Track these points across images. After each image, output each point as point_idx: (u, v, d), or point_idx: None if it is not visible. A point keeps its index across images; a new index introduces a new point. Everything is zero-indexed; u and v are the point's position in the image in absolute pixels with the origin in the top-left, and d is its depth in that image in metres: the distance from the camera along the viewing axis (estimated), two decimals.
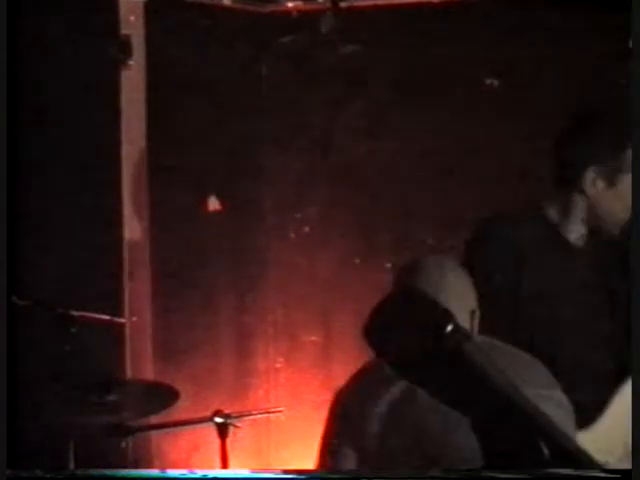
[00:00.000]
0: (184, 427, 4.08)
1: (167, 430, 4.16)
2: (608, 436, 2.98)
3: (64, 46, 4.11)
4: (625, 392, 3.14)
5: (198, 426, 4.00)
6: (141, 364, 4.45)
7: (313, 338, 4.88)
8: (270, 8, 4.74)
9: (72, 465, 3.58)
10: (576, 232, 3.31)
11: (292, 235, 4.85)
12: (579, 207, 3.28)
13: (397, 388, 2.90)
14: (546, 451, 2.77)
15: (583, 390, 3.05)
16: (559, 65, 4.44)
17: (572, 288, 3.25)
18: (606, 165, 3.21)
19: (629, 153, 3.15)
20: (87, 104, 4.21)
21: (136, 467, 4.22)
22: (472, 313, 2.78)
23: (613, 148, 3.19)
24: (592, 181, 3.24)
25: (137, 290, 4.46)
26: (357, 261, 4.78)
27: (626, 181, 3.18)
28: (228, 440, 3.93)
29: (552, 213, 3.32)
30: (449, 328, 2.61)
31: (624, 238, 3.25)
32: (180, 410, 3.86)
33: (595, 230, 3.31)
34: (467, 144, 4.56)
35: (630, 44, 3.56)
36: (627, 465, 2.94)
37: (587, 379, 3.14)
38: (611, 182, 3.22)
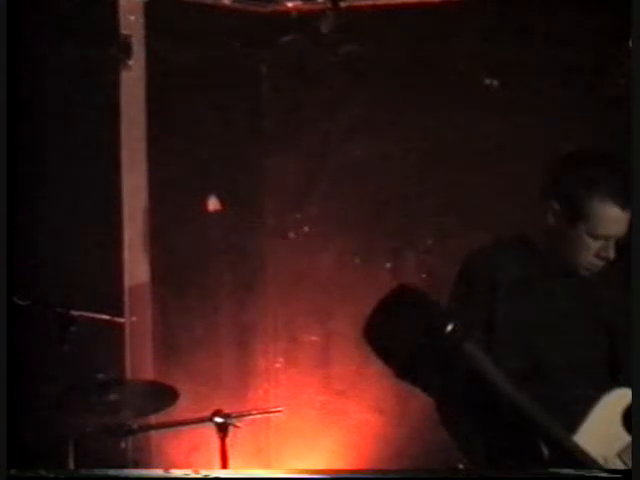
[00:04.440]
0: (184, 427, 4.09)
1: (167, 430, 4.17)
2: (585, 447, 3.01)
3: (64, 46, 4.11)
4: (602, 407, 3.17)
5: (198, 426, 4.00)
6: (141, 364, 4.46)
7: (313, 338, 4.88)
8: (270, 8, 4.74)
9: (72, 465, 3.58)
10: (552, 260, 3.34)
11: (292, 235, 4.85)
12: (546, 236, 3.29)
13: None
14: (546, 451, 2.78)
15: (562, 405, 3.08)
16: (559, 66, 4.44)
17: (555, 314, 3.27)
18: (568, 204, 3.21)
19: (596, 204, 3.16)
20: (87, 104, 4.21)
21: (136, 467, 4.22)
22: None
23: (580, 191, 3.20)
24: (553, 213, 3.24)
25: (137, 290, 4.46)
26: (357, 261, 4.78)
27: (582, 227, 3.19)
28: (228, 440, 3.93)
29: (536, 238, 3.34)
30: (449, 328, 2.62)
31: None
32: (180, 410, 3.87)
33: (559, 264, 3.30)
34: (467, 144, 4.55)
35: (630, 44, 3.57)
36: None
37: (567, 392, 3.17)
38: (570, 220, 3.21)
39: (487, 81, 4.56)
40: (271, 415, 4.46)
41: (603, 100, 4.34)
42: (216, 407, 3.97)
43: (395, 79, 4.63)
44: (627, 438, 3.09)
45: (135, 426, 3.95)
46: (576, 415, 3.12)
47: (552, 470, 2.57)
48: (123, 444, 4.18)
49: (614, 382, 3.20)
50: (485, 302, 3.23)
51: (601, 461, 3.05)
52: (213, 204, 4.73)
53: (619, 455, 3.11)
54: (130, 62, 4.36)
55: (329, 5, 4.59)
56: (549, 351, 3.24)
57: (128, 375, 4.37)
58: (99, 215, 4.30)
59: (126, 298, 4.41)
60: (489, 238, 3.54)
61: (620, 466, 3.08)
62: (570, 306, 3.29)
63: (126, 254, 4.42)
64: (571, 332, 3.27)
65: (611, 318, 3.26)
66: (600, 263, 3.22)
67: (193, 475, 2.26)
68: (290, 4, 4.72)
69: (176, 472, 2.37)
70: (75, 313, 3.73)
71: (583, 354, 3.27)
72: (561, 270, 3.28)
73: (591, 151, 3.34)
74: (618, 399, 3.14)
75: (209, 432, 3.95)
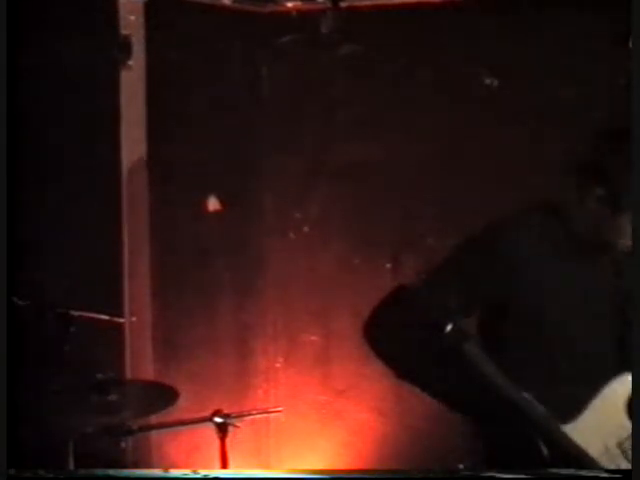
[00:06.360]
0: (184, 427, 4.09)
1: (167, 430, 4.17)
2: (587, 434, 2.98)
3: (64, 46, 4.11)
4: (607, 393, 3.14)
5: (198, 426, 4.00)
6: (141, 364, 4.45)
7: (313, 338, 4.88)
8: (270, 8, 4.74)
9: (72, 465, 3.58)
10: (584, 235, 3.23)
11: (292, 235, 4.85)
12: (583, 216, 3.19)
13: None
14: (546, 451, 2.79)
15: (569, 386, 3.05)
16: (559, 66, 4.44)
17: (573, 293, 3.20)
18: (611, 191, 3.12)
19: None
20: (87, 104, 4.21)
21: (136, 467, 4.22)
22: None
23: (622, 178, 3.10)
24: (596, 198, 3.15)
25: (137, 290, 4.46)
26: (357, 261, 4.78)
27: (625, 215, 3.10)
28: (228, 440, 3.93)
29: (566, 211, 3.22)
30: (449, 328, 2.63)
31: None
32: (180, 410, 3.86)
33: (599, 245, 3.21)
34: (467, 144, 4.56)
35: (630, 44, 3.57)
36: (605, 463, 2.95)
37: (575, 376, 3.13)
38: (614, 209, 3.12)
39: (487, 81, 4.56)
40: (271, 415, 4.46)
41: (603, 100, 4.34)
42: (216, 407, 3.97)
43: (395, 79, 4.63)
44: (629, 427, 3.05)
45: (135, 426, 3.95)
46: (581, 398, 3.08)
47: (552, 470, 2.58)
48: (123, 444, 4.19)
49: (623, 367, 3.14)
50: (500, 278, 3.14)
51: (601, 449, 3.02)
52: (213, 204, 4.73)
53: (619, 444, 3.08)
54: (130, 62, 4.36)
55: (329, 5, 4.59)
56: (562, 331, 3.17)
57: (128, 375, 4.37)
58: (99, 215, 4.30)
59: (126, 298, 4.41)
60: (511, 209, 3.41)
61: (619, 455, 3.05)
62: (588, 287, 3.22)
63: (126, 254, 4.42)
64: (587, 313, 3.20)
65: (627, 302, 3.19)
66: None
67: (193, 475, 2.27)
68: (290, 4, 4.72)
69: (176, 472, 2.37)
70: (75, 313, 3.73)
71: (596, 336, 3.20)
72: (595, 250, 3.17)
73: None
74: (624, 385, 3.09)
75: (209, 432, 3.95)
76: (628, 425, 3.04)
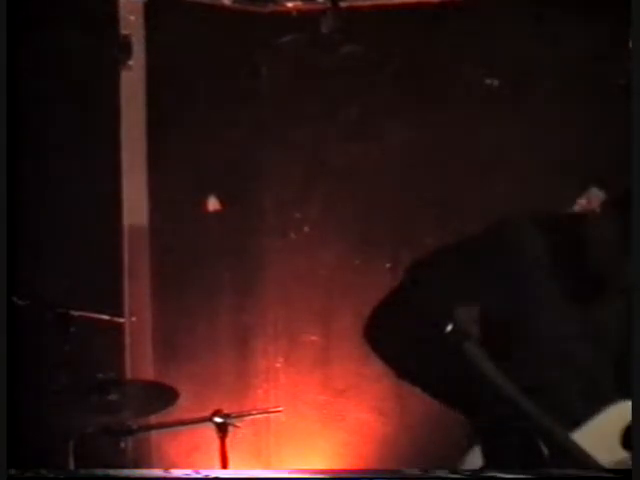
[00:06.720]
0: (184, 427, 4.09)
1: (167, 430, 4.17)
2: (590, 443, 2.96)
3: (64, 46, 4.12)
4: (605, 417, 3.10)
5: (198, 426, 4.00)
6: (141, 364, 4.46)
7: (313, 338, 4.88)
8: (270, 8, 4.74)
9: (72, 465, 3.58)
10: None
11: (292, 235, 4.85)
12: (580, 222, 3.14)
13: None
14: (546, 451, 2.78)
15: (577, 395, 3.04)
16: (559, 66, 4.44)
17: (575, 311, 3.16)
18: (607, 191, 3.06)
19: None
20: (87, 104, 4.21)
21: (136, 467, 4.22)
22: None
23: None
24: (591, 200, 3.10)
25: (137, 290, 4.46)
26: (357, 261, 4.78)
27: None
28: (228, 440, 3.93)
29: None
30: (449, 328, 2.62)
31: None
32: (180, 410, 3.87)
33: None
34: (467, 144, 4.56)
35: (630, 44, 3.57)
36: None
37: (574, 393, 3.11)
38: (613, 214, 3.04)
39: (487, 81, 4.56)
40: (271, 415, 4.46)
41: (603, 99, 4.34)
42: (216, 407, 3.97)
43: (395, 79, 4.63)
44: (619, 454, 3.01)
45: (135, 426, 3.95)
46: (577, 417, 3.07)
47: (552, 470, 2.57)
48: (123, 444, 4.18)
49: (623, 393, 3.12)
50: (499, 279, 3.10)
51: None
52: (213, 204, 4.73)
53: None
54: (130, 62, 4.36)
55: (329, 5, 4.59)
56: (562, 346, 3.14)
57: (128, 375, 4.37)
58: (99, 215, 4.30)
59: (126, 298, 4.42)
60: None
61: None
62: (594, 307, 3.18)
63: (126, 254, 4.42)
64: (589, 331, 3.18)
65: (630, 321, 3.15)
66: None
67: (193, 475, 2.26)
68: (290, 4, 4.72)
69: (176, 472, 2.37)
70: (75, 313, 3.73)
71: (598, 356, 3.18)
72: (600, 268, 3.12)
73: None
74: (624, 412, 3.06)
75: (209, 432, 3.95)
76: (619, 453, 3.00)
